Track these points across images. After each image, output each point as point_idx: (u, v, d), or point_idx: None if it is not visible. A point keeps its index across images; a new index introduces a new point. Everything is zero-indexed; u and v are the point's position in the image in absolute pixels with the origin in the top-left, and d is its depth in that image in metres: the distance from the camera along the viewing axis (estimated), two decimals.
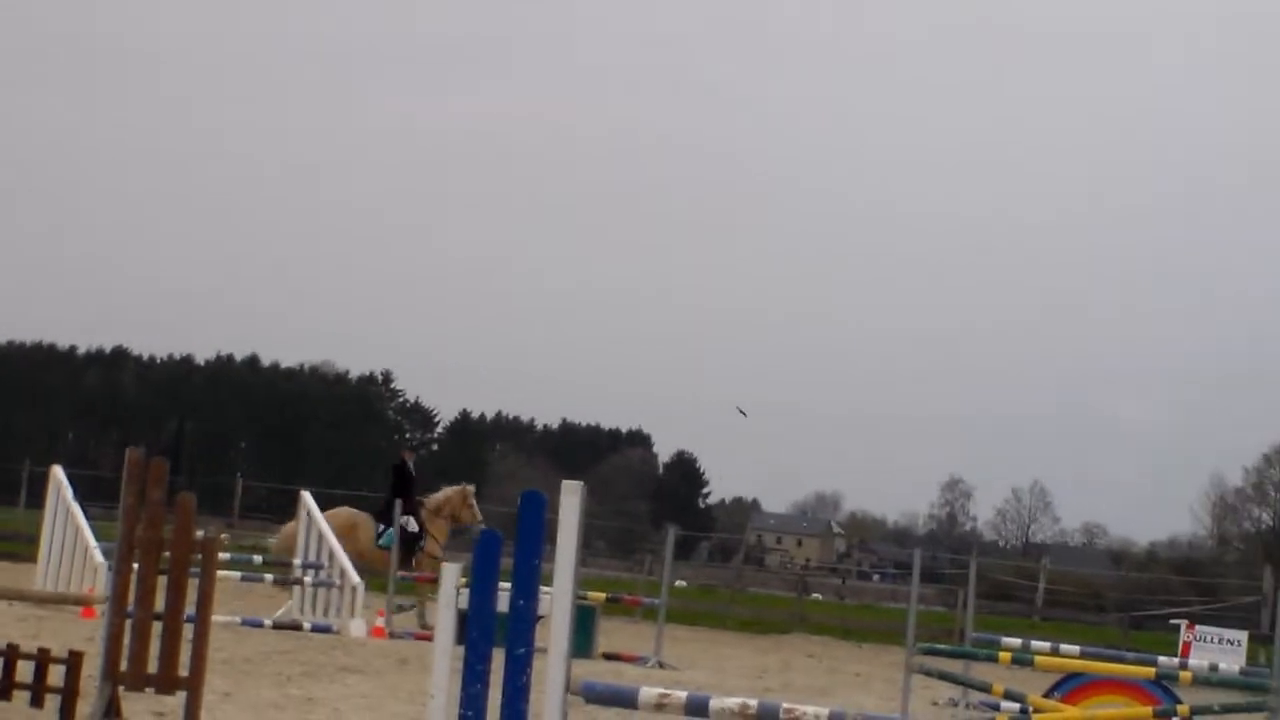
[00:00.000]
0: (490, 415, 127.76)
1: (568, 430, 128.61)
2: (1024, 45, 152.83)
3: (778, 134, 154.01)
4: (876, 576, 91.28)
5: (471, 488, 27.41)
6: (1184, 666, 19.58)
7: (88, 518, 24.33)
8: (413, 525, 26.00)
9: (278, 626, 22.74)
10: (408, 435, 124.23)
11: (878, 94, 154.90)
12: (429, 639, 17.40)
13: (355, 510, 27.80)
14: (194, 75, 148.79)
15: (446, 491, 27.25)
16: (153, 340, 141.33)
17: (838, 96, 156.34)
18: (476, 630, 8.71)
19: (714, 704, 8.45)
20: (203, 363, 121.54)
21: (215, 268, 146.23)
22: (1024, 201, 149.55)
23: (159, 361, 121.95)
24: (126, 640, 11.24)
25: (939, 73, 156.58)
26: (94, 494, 42.65)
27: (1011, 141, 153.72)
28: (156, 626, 11.32)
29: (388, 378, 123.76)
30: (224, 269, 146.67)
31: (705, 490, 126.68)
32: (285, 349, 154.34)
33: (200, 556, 11.61)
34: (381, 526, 26.21)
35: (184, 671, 11.25)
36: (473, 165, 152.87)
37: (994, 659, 18.08)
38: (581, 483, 8.63)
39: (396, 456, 28.87)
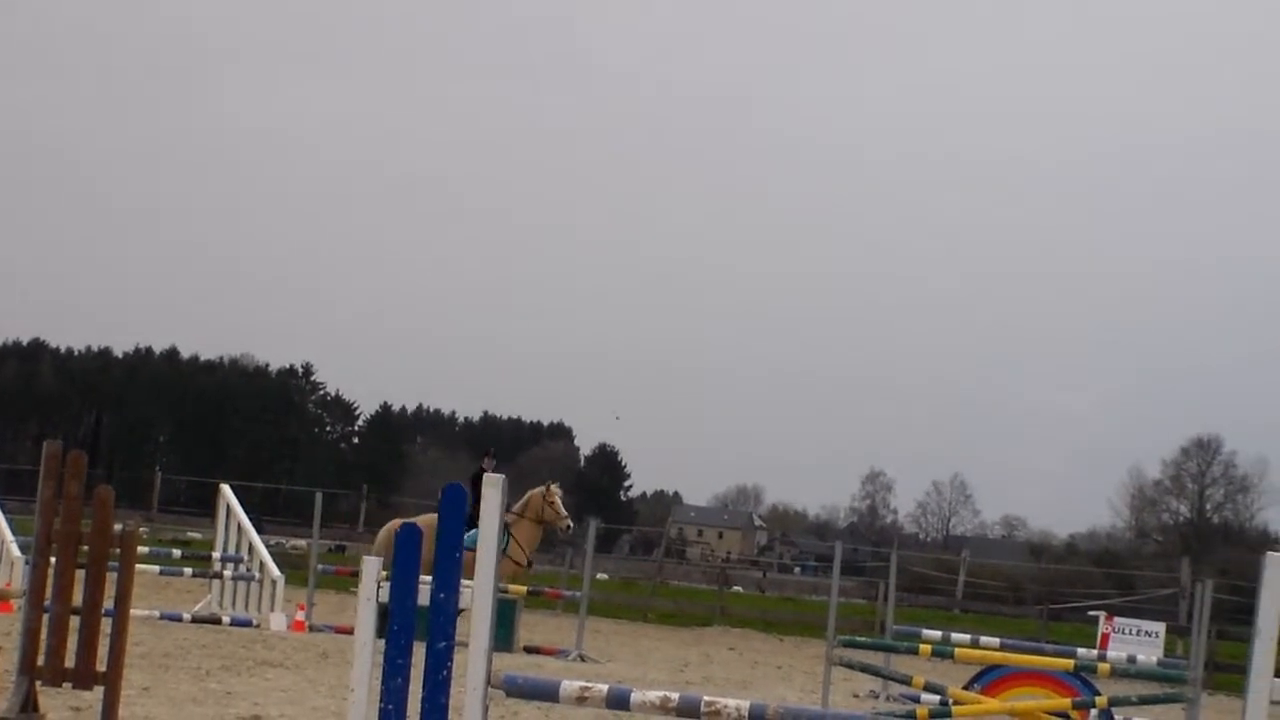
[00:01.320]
0: (411, 408, 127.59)
1: (489, 422, 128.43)
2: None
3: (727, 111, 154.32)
4: (798, 569, 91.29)
5: (555, 486, 26.75)
6: (1102, 658, 19.76)
7: (4, 511, 24.18)
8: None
9: (197, 620, 22.64)
10: (328, 428, 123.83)
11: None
12: (350, 632, 17.37)
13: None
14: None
15: (529, 493, 26.72)
16: (71, 333, 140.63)
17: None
18: (398, 624, 8.70)
19: (635, 697, 8.46)
20: (121, 355, 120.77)
21: (134, 261, 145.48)
22: (953, 191, 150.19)
23: (77, 354, 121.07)
24: (44, 635, 11.16)
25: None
26: (11, 487, 42.35)
27: (940, 129, 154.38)
28: (74, 621, 11.25)
29: (308, 370, 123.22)
30: (142, 262, 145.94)
31: (627, 483, 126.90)
32: (204, 342, 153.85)
33: (119, 550, 11.54)
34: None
35: (102, 666, 11.18)
36: (393, 160, 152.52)
37: (914, 651, 18.19)
38: (503, 475, 8.64)
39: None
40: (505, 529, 25.72)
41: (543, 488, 26.48)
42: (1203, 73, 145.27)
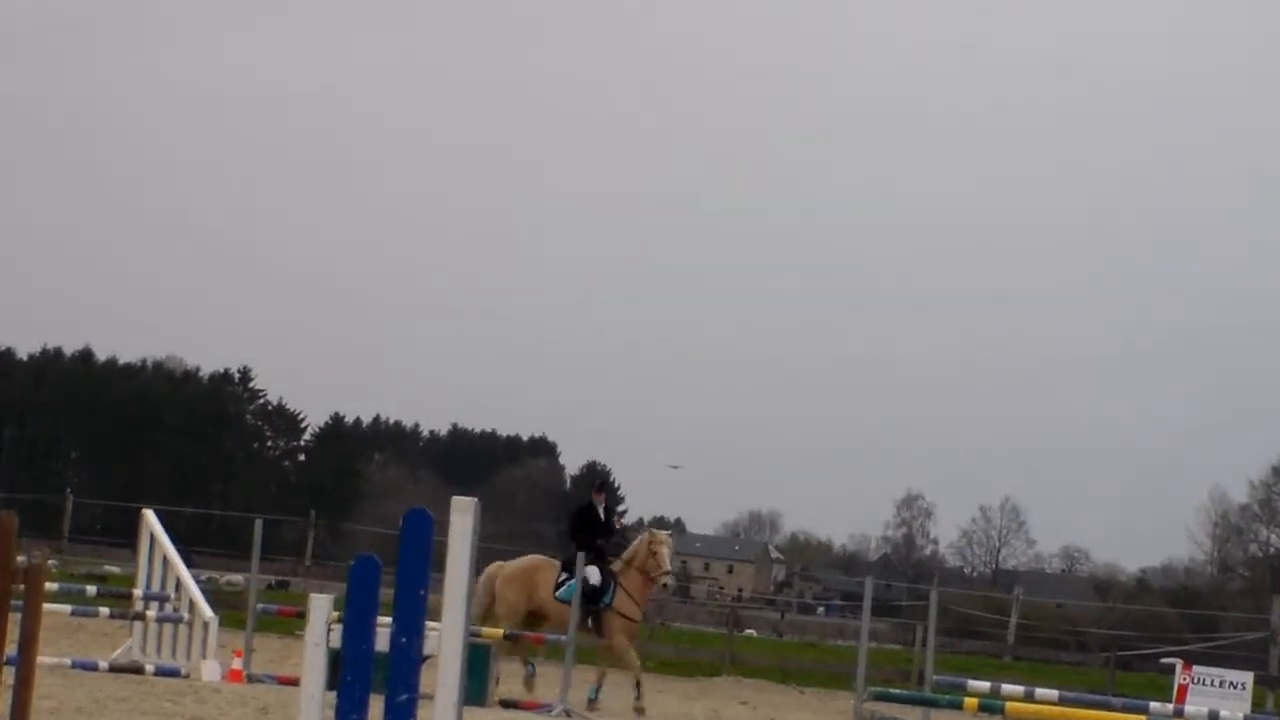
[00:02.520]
0: (367, 420, 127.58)
1: (458, 437, 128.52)
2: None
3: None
4: (821, 609, 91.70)
5: (663, 533, 26.56)
6: (1179, 714, 19.82)
7: None
8: (596, 576, 25.36)
9: (116, 670, 22.65)
10: (269, 443, 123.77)
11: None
12: (295, 683, 17.37)
13: (542, 556, 27.34)
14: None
15: (637, 539, 26.58)
16: None
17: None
18: (351, 673, 8.70)
19: None
20: (26, 358, 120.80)
21: (42, 248, 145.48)
22: (998, 197, 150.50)
23: None
24: None
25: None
26: None
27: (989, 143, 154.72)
28: None
29: (245, 375, 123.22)
30: (52, 249, 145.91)
31: (621, 508, 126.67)
32: (123, 342, 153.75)
33: (23, 587, 11.56)
34: (564, 576, 25.64)
35: None
36: (345, 126, 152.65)
37: (958, 705, 18.26)
38: (475, 499, 8.64)
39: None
40: (613, 580, 25.52)
41: (648, 533, 26.40)
42: None
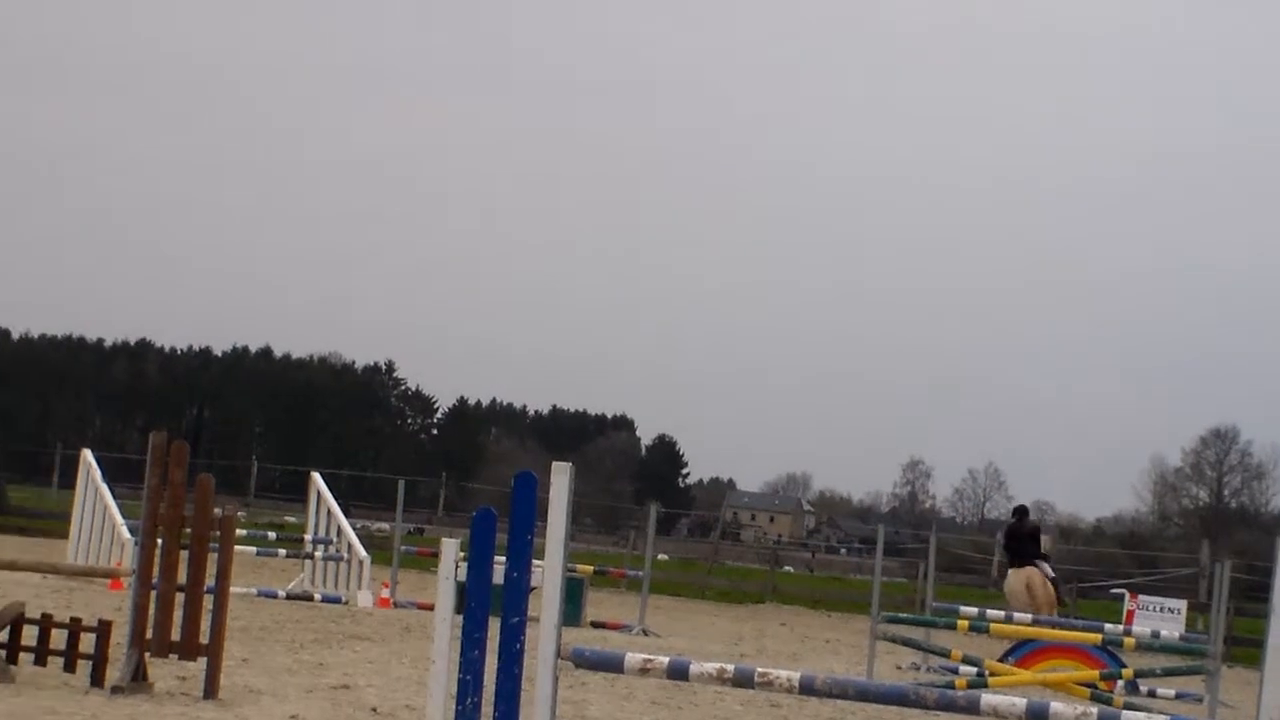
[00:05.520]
0: (486, 401, 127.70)
1: (557, 415, 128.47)
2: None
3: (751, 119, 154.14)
4: (843, 550, 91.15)
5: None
6: (1128, 633, 19.68)
7: (115, 497, 24.34)
8: (1049, 570, 25.52)
9: (291, 597, 22.76)
10: (409, 420, 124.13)
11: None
12: (430, 609, 17.42)
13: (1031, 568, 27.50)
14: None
15: (1046, 540, 26.95)
16: (174, 333, 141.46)
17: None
18: (474, 601, 8.73)
19: (694, 668, 8.46)
20: (220, 354, 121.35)
21: (233, 268, 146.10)
22: (968, 175, 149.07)
23: (180, 353, 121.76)
24: (152, 610, 11.26)
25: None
26: (121, 475, 42.44)
27: (988, 111, 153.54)
28: (179, 598, 11.34)
29: (390, 367, 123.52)
30: (242, 269, 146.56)
31: (685, 471, 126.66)
32: (296, 341, 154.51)
33: (219, 533, 11.63)
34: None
35: (205, 639, 11.27)
36: (466, 161, 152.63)
37: (953, 626, 18.16)
38: (570, 464, 8.63)
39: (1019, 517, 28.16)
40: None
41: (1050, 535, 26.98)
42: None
